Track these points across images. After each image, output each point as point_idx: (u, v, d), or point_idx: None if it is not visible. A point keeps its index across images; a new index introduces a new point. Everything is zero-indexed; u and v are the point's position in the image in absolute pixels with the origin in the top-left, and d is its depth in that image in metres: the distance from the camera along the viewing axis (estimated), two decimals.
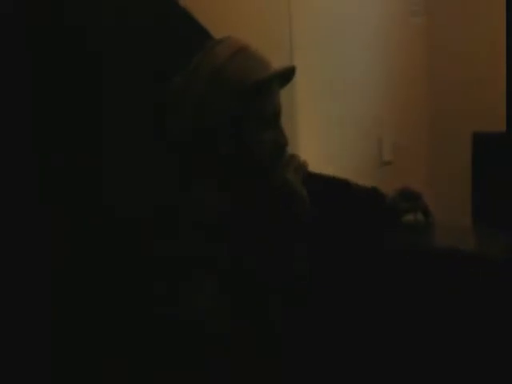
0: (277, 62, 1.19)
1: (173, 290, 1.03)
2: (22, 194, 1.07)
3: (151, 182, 1.11)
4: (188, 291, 1.03)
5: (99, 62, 1.14)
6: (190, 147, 1.15)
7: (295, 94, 1.83)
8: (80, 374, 1.05)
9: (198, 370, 1.01)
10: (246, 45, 1.18)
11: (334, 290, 1.21)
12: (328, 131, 2.21)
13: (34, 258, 1.06)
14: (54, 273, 1.07)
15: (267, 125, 1.16)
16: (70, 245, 1.09)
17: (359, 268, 1.23)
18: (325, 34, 2.20)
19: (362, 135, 2.49)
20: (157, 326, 1.02)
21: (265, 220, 1.13)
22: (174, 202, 1.11)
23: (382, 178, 2.55)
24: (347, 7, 2.31)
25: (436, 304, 1.15)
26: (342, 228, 1.27)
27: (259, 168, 1.16)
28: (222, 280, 1.05)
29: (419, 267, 1.19)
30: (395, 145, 2.64)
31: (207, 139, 1.13)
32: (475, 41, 2.77)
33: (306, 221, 1.16)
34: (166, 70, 1.15)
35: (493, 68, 2.76)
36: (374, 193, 1.40)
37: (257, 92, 1.13)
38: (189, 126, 1.13)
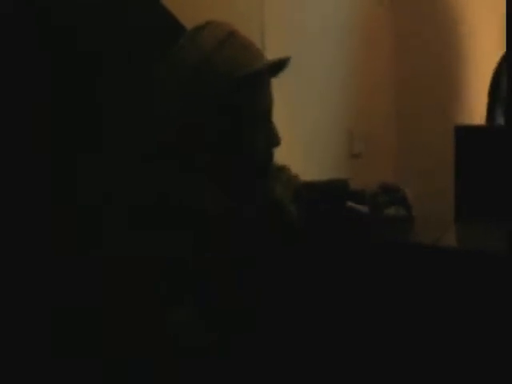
0: None
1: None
2: (22, 193, 1.07)
3: (147, 184, 1.10)
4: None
5: (93, 61, 1.14)
6: (178, 145, 1.10)
7: None
8: (79, 374, 1.04)
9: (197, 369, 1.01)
10: (234, 30, 1.10)
11: (326, 294, 1.20)
12: (297, 124, 2.20)
13: (35, 258, 1.06)
14: (55, 272, 1.07)
15: (258, 121, 1.10)
16: (70, 244, 1.08)
17: (350, 271, 1.21)
18: (295, 26, 2.19)
19: (331, 127, 2.50)
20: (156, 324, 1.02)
21: (261, 222, 1.12)
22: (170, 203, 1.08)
23: (351, 170, 2.57)
24: None
25: (424, 300, 1.15)
26: (336, 236, 1.25)
27: (249, 168, 1.11)
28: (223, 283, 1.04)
29: (406, 263, 1.19)
30: (365, 137, 2.66)
31: (195, 133, 1.08)
32: (440, 33, 2.82)
33: (296, 233, 1.14)
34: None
35: (460, 60, 2.81)
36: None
37: (247, 84, 1.07)
38: (173, 123, 1.08)
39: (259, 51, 1.12)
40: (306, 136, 2.28)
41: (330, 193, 1.31)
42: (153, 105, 1.13)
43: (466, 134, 1.63)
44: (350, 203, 1.24)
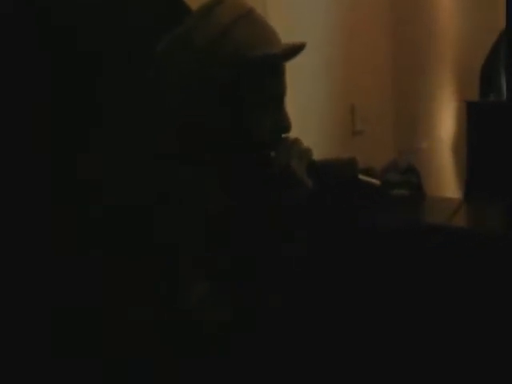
0: None
1: (172, 289, 1.02)
2: (22, 193, 1.07)
3: (147, 184, 1.10)
4: (186, 290, 1.02)
5: (93, 61, 1.15)
6: (178, 145, 1.10)
7: None
8: (79, 374, 1.05)
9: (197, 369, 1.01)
10: (250, 8, 1.07)
11: (332, 281, 1.20)
12: (299, 102, 2.16)
13: (35, 258, 1.06)
14: (55, 272, 1.07)
15: (267, 106, 1.09)
16: (70, 244, 1.08)
17: (355, 254, 1.20)
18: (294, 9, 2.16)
19: (334, 104, 2.45)
20: (156, 324, 1.02)
21: (263, 217, 1.10)
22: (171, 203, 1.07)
23: (353, 147, 2.52)
24: None
25: (431, 283, 1.14)
26: (348, 215, 1.24)
27: (255, 155, 1.10)
28: (222, 280, 1.04)
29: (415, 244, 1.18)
30: (366, 114, 2.59)
31: (195, 132, 1.08)
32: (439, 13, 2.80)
33: (310, 209, 1.14)
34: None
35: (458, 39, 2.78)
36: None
37: (260, 68, 1.05)
38: (173, 121, 1.08)
39: (274, 31, 1.09)
40: (308, 113, 2.20)
41: (340, 170, 1.26)
42: (153, 103, 1.12)
43: (477, 110, 1.60)
44: (361, 176, 1.23)
